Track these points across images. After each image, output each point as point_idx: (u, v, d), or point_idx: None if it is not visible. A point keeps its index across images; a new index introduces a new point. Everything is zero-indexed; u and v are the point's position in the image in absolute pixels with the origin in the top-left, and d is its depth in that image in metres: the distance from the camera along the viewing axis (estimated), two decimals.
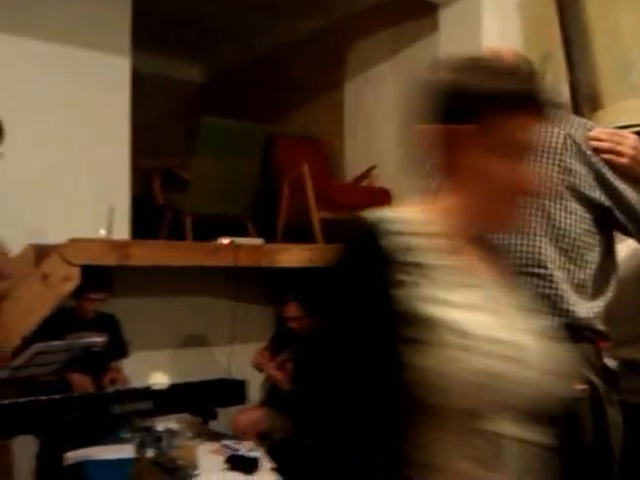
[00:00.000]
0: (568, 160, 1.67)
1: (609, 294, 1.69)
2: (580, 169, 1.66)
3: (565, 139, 1.68)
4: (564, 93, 3.34)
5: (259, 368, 3.75)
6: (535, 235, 1.66)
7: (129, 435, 2.79)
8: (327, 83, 4.92)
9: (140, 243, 3.57)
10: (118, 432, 2.86)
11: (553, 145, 1.69)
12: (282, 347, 3.69)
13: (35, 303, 3.14)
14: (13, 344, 2.86)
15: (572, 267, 1.65)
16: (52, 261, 3.18)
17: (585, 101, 3.30)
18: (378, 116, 4.42)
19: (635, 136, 1.65)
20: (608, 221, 1.67)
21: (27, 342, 2.89)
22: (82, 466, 2.61)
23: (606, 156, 1.64)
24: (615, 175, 1.65)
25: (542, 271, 1.64)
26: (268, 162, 4.49)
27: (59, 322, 3.22)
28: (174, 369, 3.90)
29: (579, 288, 1.65)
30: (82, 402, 3.07)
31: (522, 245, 1.67)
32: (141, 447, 2.55)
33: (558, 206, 1.67)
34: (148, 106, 4.91)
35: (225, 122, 4.23)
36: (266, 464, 2.68)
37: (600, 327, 1.67)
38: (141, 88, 4.34)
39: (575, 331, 1.63)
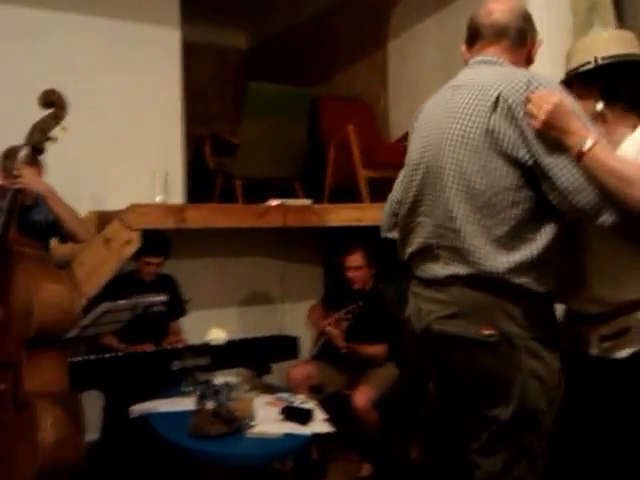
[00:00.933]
0: (493, 121, 1.70)
1: (531, 250, 1.70)
2: (507, 129, 1.69)
3: (497, 99, 1.71)
4: None
5: (314, 324, 3.81)
6: (450, 195, 1.76)
7: (190, 389, 2.87)
8: (371, 43, 4.85)
9: (195, 207, 3.66)
10: (179, 386, 2.94)
11: (482, 105, 1.73)
12: (336, 303, 3.73)
13: (99, 266, 3.27)
14: (80, 305, 3.00)
15: (488, 223, 1.71)
16: (113, 226, 3.30)
17: None
18: (422, 74, 4.34)
19: (558, 101, 1.63)
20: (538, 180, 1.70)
21: (91, 303, 3.03)
22: (147, 418, 2.71)
23: (527, 119, 1.67)
24: (540, 138, 1.66)
25: (453, 225, 1.75)
26: (314, 124, 4.50)
27: (121, 284, 3.35)
28: (229, 327, 4.02)
29: (497, 243, 1.71)
30: (145, 359, 3.19)
31: (439, 203, 1.79)
32: (201, 400, 2.65)
33: (475, 167, 1.72)
34: (198, 75, 4.98)
35: (271, 86, 4.26)
36: (319, 415, 2.74)
37: (517, 280, 1.70)
38: (191, 57, 4.41)
39: (489, 282, 1.72)
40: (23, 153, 2.72)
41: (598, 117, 1.83)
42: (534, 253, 1.70)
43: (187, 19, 4.27)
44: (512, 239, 1.70)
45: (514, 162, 1.69)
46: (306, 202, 3.87)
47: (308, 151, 4.44)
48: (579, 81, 1.88)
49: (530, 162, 1.68)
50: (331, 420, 2.70)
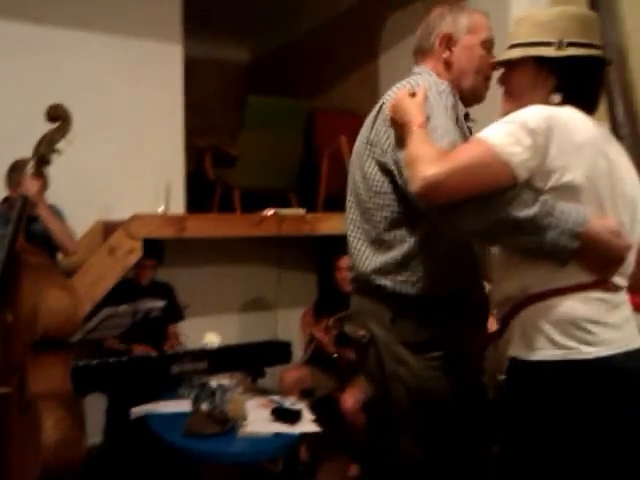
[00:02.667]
0: (375, 128, 1.71)
1: (399, 251, 1.67)
2: (382, 135, 1.68)
3: (380, 106, 1.73)
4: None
5: (305, 330, 3.89)
6: (348, 203, 1.84)
7: (187, 391, 2.95)
8: (363, 57, 4.92)
9: (194, 217, 3.76)
10: (177, 389, 3.03)
11: (372, 115, 1.76)
12: (327, 310, 3.80)
13: (104, 273, 3.37)
14: (85, 310, 3.10)
15: (366, 226, 1.75)
16: (118, 236, 3.41)
17: (613, 64, 3.20)
18: None
19: (401, 96, 1.61)
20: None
21: (94, 309, 3.12)
22: (146, 419, 2.81)
23: None
24: (396, 137, 1.63)
25: (347, 231, 1.83)
26: (309, 136, 4.59)
27: (119, 292, 3.44)
28: (226, 332, 4.10)
29: (372, 246, 1.74)
30: (145, 363, 3.27)
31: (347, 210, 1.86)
32: (196, 401, 2.74)
33: (359, 175, 1.76)
34: (199, 88, 5.06)
35: (268, 99, 4.35)
36: (307, 415, 2.83)
37: (381, 282, 1.69)
38: (193, 71, 4.50)
39: (363, 284, 1.77)
40: (30, 165, 2.83)
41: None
42: (398, 255, 1.67)
43: (191, 35, 4.38)
44: (384, 242, 1.70)
45: (383, 167, 1.68)
46: (299, 211, 3.96)
47: (303, 162, 4.53)
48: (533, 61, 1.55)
49: (392, 165, 1.66)
50: (321, 422, 2.78)
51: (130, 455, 3.13)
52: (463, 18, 1.79)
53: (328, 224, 3.87)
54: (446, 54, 1.79)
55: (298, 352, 3.85)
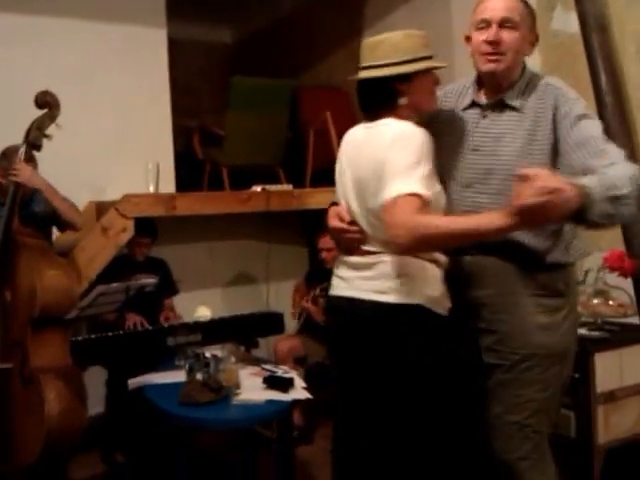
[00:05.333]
0: None
1: None
2: None
3: None
4: (573, 23, 3.27)
5: (294, 300, 3.97)
6: None
7: (182, 362, 3.01)
8: (348, 33, 4.92)
9: (183, 195, 3.81)
10: (173, 360, 3.09)
11: None
12: (318, 280, 3.84)
13: (97, 252, 3.43)
14: (81, 288, 3.17)
15: None
16: (110, 216, 3.47)
17: (594, 32, 3.21)
18: None
19: None
20: None
21: (92, 286, 3.18)
22: (143, 389, 2.85)
23: None
24: None
25: None
26: (295, 113, 4.61)
27: (117, 267, 3.51)
28: (220, 305, 4.19)
29: None
30: (142, 336, 3.34)
31: None
32: (191, 371, 2.80)
33: None
34: (186, 69, 5.08)
35: (253, 80, 4.38)
36: (299, 383, 2.88)
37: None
38: (179, 53, 4.50)
39: None
40: (21, 151, 2.87)
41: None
42: None
43: (175, 17, 4.37)
44: None
45: None
46: (287, 187, 4.01)
47: (289, 138, 4.56)
48: None
49: None
50: (314, 388, 2.84)
51: (129, 423, 3.21)
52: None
53: (316, 199, 3.91)
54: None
55: (291, 322, 3.92)
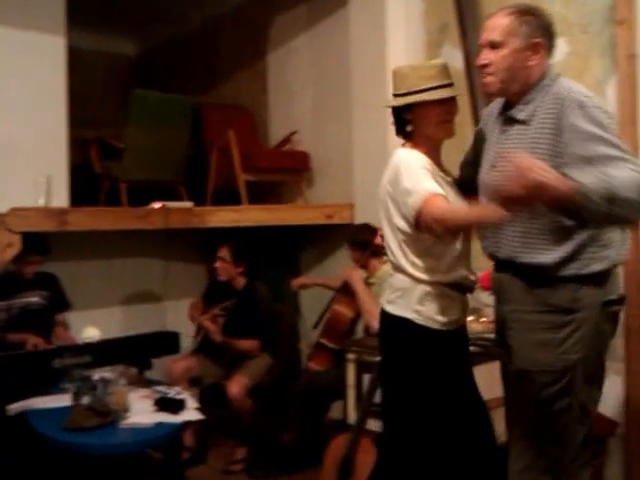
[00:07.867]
0: None
1: None
2: None
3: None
4: (459, 60, 3.42)
5: (192, 319, 3.86)
6: None
7: (68, 386, 2.87)
8: (252, 54, 4.91)
9: (76, 210, 3.61)
10: (59, 384, 2.94)
11: None
12: (215, 300, 3.79)
13: None
14: None
15: None
16: None
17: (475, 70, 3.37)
18: (297, 85, 4.45)
19: None
20: None
21: None
22: (25, 415, 2.69)
23: None
24: None
25: None
26: (198, 130, 4.53)
27: (3, 283, 3.31)
28: (116, 325, 4.01)
29: None
30: (25, 358, 3.14)
31: None
32: (77, 395, 2.67)
33: None
34: (85, 80, 4.88)
35: (154, 94, 4.24)
36: (191, 404, 2.80)
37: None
38: (79, 63, 4.32)
39: None
40: None
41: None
42: None
43: (78, 25, 4.20)
44: None
45: None
46: (187, 204, 3.90)
47: (192, 156, 4.46)
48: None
49: None
50: (208, 409, 2.77)
51: (10, 452, 2.98)
52: None
53: (216, 217, 3.82)
54: None
55: (187, 342, 3.80)
